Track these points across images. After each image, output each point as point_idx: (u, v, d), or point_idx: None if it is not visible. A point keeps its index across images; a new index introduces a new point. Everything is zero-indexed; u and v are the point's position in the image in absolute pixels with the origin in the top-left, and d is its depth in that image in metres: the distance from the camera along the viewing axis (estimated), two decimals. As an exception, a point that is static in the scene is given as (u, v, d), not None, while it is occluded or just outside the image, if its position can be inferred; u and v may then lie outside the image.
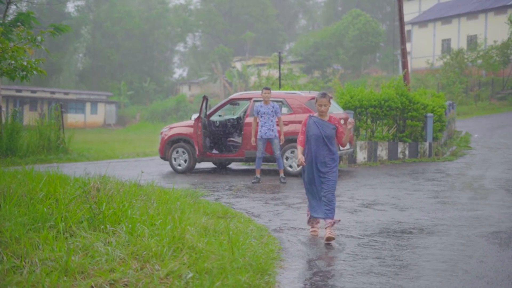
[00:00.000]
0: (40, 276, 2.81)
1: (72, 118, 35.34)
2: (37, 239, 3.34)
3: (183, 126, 9.79)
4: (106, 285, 2.90)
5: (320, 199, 4.62)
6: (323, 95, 4.57)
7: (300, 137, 4.65)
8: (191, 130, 9.53)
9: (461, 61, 27.88)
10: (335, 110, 9.58)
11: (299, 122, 9.00)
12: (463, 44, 31.97)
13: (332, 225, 4.51)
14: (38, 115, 12.53)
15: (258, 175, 8.22)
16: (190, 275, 3.16)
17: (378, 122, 11.36)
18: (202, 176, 9.32)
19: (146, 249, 3.44)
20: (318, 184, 4.62)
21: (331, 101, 11.11)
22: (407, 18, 34.12)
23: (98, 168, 7.91)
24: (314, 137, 4.57)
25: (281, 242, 4.51)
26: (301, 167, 9.52)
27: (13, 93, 33.65)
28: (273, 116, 8.09)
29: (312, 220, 4.80)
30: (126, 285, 2.96)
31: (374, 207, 6.14)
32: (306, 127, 4.64)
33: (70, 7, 56.14)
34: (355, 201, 6.51)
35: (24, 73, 5.65)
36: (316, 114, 4.67)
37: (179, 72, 58.98)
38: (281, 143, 8.29)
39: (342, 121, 6.08)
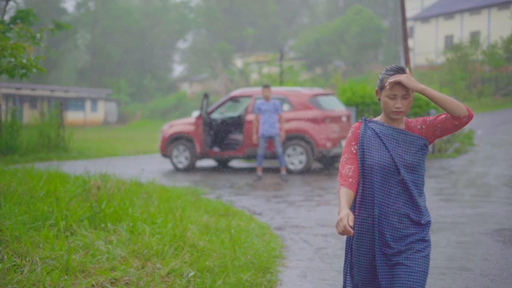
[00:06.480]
0: (40, 275, 2.79)
1: (72, 116, 35.35)
2: (37, 238, 3.31)
3: (184, 124, 9.77)
4: (107, 283, 2.87)
5: None
6: (398, 70, 2.04)
7: (347, 168, 2.04)
8: (192, 127, 9.51)
9: (463, 57, 27.79)
10: (337, 107, 9.52)
11: (301, 119, 8.96)
12: (466, 41, 31.87)
13: None
14: (38, 113, 12.48)
15: (259, 173, 8.19)
16: (192, 273, 3.14)
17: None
18: (203, 174, 9.30)
19: (147, 247, 3.41)
20: (384, 280, 2.00)
21: (334, 98, 10.99)
22: (409, 14, 34.01)
23: (99, 166, 7.88)
24: (378, 169, 2.03)
25: (283, 240, 4.49)
26: (304, 164, 9.71)
27: (13, 91, 33.65)
28: (274, 113, 8.06)
29: None
30: (127, 283, 2.93)
31: (377, 204, 6.09)
32: (358, 148, 2.07)
33: (69, 5, 56.07)
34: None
35: (24, 70, 5.62)
36: (378, 118, 2.13)
37: (179, 70, 58.96)
38: (282, 140, 8.25)
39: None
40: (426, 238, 2.03)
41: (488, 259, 3.88)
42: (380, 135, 2.06)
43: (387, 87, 2.01)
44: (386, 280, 2.00)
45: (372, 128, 2.08)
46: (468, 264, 3.75)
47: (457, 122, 1.98)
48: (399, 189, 2.04)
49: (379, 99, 2.08)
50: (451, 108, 1.97)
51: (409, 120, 2.11)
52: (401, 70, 2.04)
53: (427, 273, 1.99)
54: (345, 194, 1.97)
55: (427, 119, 2.06)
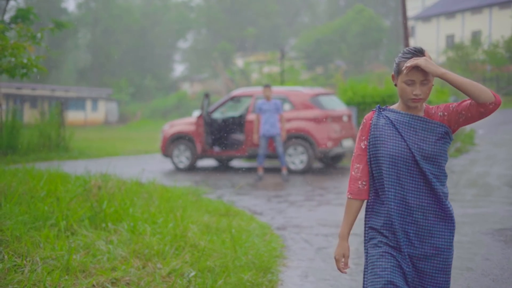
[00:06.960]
0: (41, 275, 2.79)
1: (73, 115, 35.36)
2: (38, 238, 3.31)
3: (185, 124, 9.77)
4: (108, 283, 2.87)
5: None
6: (417, 52, 1.82)
7: (355, 168, 1.90)
8: (192, 127, 9.51)
9: (464, 56, 27.78)
10: (338, 106, 9.51)
11: (302, 119, 8.94)
12: (467, 40, 31.86)
13: None
14: (38, 113, 12.47)
15: (260, 173, 8.19)
16: (193, 273, 3.13)
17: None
18: (204, 173, 9.30)
19: (148, 247, 3.41)
20: (410, 278, 1.85)
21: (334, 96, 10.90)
22: (410, 13, 34.01)
23: (99, 166, 7.88)
24: (393, 160, 1.84)
25: (284, 240, 4.48)
26: (305, 163, 9.67)
27: (13, 90, 33.66)
28: (275, 113, 8.05)
29: None
30: (128, 283, 2.93)
31: (378, 204, 6.08)
32: (370, 140, 1.88)
33: (69, 5, 56.12)
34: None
35: (24, 70, 5.62)
36: (394, 106, 1.93)
37: (180, 69, 58.99)
38: (283, 140, 8.25)
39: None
40: (452, 242, 1.86)
41: (490, 259, 3.87)
42: (395, 123, 1.85)
43: (404, 71, 1.79)
44: (411, 279, 1.85)
45: (386, 116, 1.88)
46: (469, 264, 3.74)
47: (483, 109, 1.77)
48: (419, 182, 1.84)
49: (395, 85, 1.86)
50: (476, 93, 1.75)
51: (430, 106, 1.89)
52: (419, 53, 1.81)
53: (450, 279, 1.89)
54: (349, 211, 1.88)
55: (450, 105, 1.85)
